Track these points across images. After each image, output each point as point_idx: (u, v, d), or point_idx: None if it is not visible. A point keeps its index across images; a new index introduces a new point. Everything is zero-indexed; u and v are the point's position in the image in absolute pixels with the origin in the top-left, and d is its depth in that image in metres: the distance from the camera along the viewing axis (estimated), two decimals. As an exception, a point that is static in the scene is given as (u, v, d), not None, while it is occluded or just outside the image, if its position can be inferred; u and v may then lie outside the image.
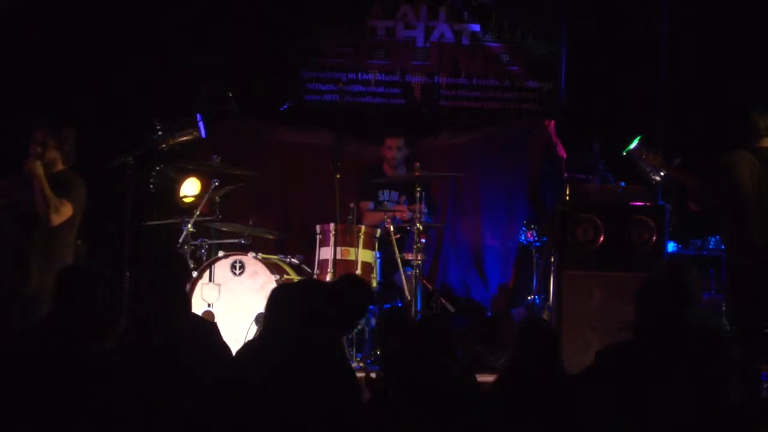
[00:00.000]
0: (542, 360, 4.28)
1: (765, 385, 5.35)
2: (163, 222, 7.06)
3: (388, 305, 7.76)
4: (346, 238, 6.94)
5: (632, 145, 6.42)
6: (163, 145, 6.76)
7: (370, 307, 6.90)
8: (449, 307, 7.38)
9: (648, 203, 6.63)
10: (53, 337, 4.01)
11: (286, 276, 6.97)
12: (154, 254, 5.34)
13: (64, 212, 5.83)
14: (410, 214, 7.54)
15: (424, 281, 7.27)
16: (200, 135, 6.93)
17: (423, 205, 7.53)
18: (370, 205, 7.96)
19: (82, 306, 4.10)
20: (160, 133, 6.69)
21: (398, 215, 7.72)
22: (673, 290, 4.33)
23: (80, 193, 5.95)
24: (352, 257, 6.94)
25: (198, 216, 6.86)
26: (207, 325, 4.68)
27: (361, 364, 6.67)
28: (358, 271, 6.91)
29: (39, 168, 5.79)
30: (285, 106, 8.03)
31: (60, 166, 5.96)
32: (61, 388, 3.83)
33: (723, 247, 6.84)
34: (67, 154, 5.97)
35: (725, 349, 4.37)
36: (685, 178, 6.34)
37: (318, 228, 7.13)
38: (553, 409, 4.12)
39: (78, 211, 5.93)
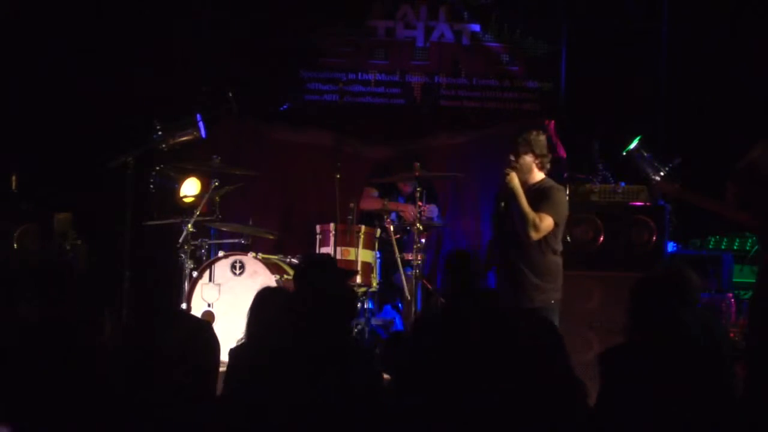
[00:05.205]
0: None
1: None
2: (163, 222, 7.06)
3: (388, 306, 7.78)
4: (346, 238, 6.93)
5: (632, 145, 6.41)
6: (163, 145, 6.77)
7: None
8: (449, 307, 7.34)
9: (648, 203, 6.63)
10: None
11: (286, 276, 6.96)
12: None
13: (544, 227, 5.72)
14: (429, 214, 7.49)
15: (424, 281, 7.27)
16: (200, 135, 6.93)
17: (434, 206, 7.53)
18: (375, 192, 7.96)
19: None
20: (160, 133, 6.69)
21: (403, 215, 7.69)
22: (669, 291, 4.29)
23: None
24: (352, 257, 6.93)
25: (198, 216, 6.85)
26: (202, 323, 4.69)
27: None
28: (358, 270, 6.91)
29: (515, 179, 5.72)
30: (285, 106, 8.03)
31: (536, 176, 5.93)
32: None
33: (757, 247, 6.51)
34: (541, 160, 5.88)
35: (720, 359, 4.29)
36: (711, 206, 5.98)
37: (318, 228, 7.13)
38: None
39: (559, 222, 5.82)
